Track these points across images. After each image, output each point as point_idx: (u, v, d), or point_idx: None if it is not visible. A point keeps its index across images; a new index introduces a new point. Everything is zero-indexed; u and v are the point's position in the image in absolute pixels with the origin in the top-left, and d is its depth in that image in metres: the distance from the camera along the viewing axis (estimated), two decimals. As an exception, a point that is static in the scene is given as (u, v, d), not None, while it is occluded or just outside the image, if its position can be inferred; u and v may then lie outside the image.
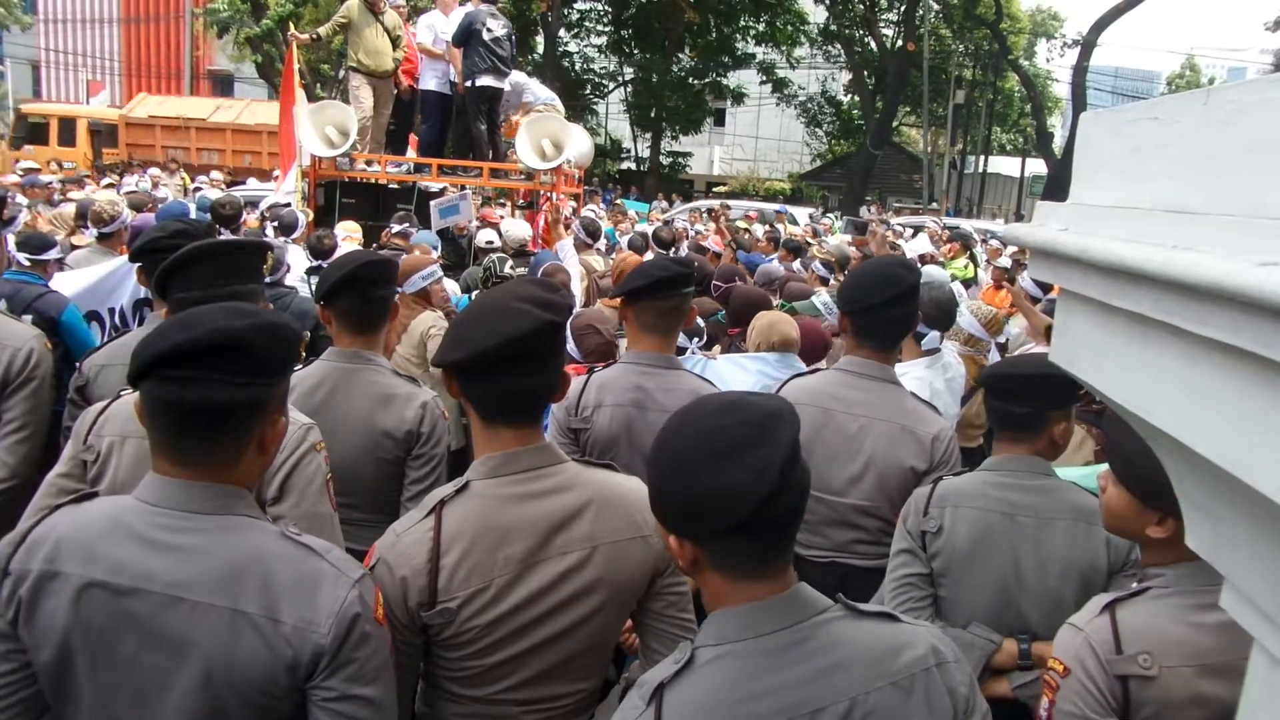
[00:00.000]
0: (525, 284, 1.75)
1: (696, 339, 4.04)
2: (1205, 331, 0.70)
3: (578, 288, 5.84)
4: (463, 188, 8.76)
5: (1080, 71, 26.04)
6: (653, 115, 32.08)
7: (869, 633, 1.31)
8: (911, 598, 2.24)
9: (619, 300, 2.74)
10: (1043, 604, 2.18)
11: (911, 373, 3.33)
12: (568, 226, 7.62)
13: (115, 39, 41.00)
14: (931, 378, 3.34)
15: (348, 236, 6.75)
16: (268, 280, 4.27)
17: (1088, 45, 26.23)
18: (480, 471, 1.66)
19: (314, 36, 9.43)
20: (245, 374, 1.40)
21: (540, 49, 29.83)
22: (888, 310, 2.52)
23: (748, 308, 4.11)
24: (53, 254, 4.28)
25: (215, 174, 16.16)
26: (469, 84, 8.56)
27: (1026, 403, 2.24)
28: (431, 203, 7.99)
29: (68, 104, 28.57)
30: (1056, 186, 24.10)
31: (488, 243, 7.15)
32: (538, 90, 9.25)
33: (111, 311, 4.56)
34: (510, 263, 5.50)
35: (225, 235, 5.79)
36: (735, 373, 3.32)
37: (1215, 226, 0.72)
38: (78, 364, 2.74)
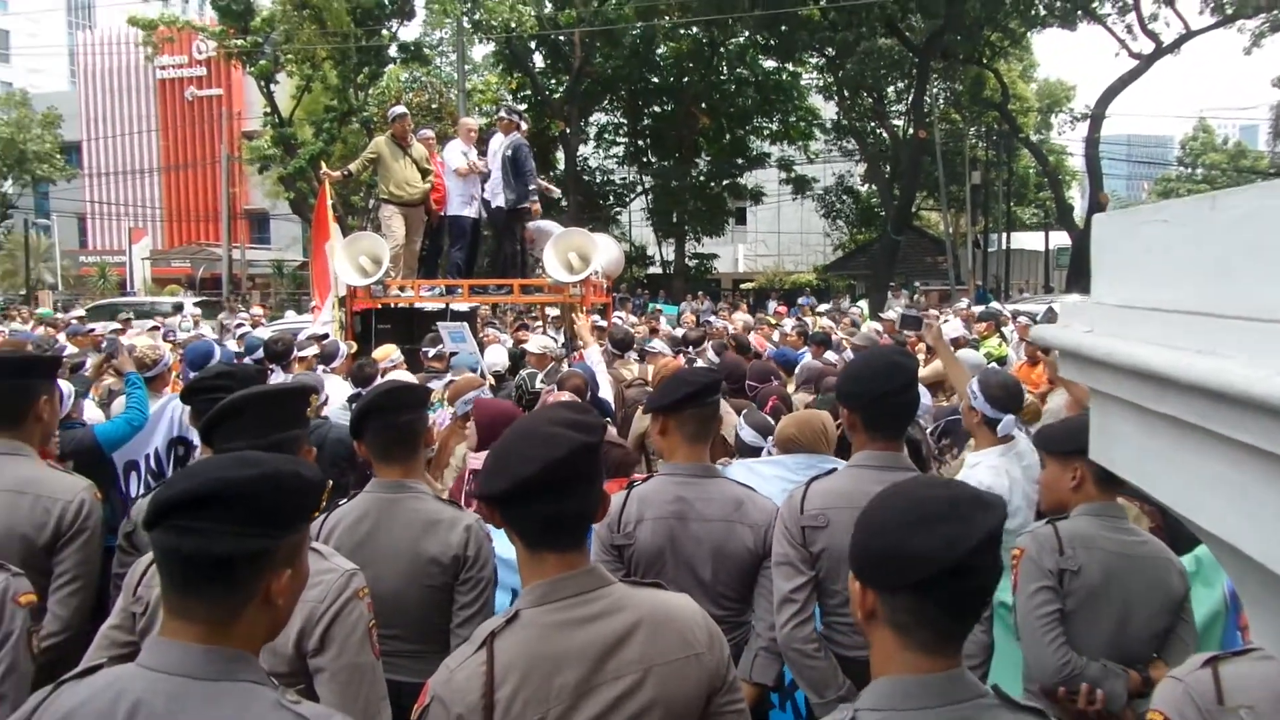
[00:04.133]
0: (556, 408, 1.80)
1: (770, 437, 3.66)
2: (1240, 436, 0.70)
3: (609, 398, 5.87)
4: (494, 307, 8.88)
5: (1092, 144, 26.25)
6: (674, 220, 32.73)
7: None
8: (1060, 634, 2.47)
9: (656, 413, 2.73)
10: (1143, 635, 2.50)
11: (985, 462, 3.22)
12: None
13: (156, 187, 43.02)
14: (1007, 465, 3.20)
15: (398, 365, 6.77)
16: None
17: (1096, 118, 26.52)
18: (528, 600, 1.66)
19: (345, 173, 9.83)
20: (246, 524, 1.38)
21: (561, 165, 30.77)
22: (896, 399, 2.53)
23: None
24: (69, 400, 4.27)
25: (256, 310, 16.60)
26: (510, 209, 8.93)
27: None
28: (439, 324, 7.94)
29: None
30: (1081, 257, 24.04)
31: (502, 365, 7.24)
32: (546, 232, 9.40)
33: (147, 458, 4.58)
34: (540, 376, 5.56)
35: (276, 371, 6.00)
36: (753, 481, 3.05)
37: (1234, 330, 0.73)
38: (127, 511, 2.77)
